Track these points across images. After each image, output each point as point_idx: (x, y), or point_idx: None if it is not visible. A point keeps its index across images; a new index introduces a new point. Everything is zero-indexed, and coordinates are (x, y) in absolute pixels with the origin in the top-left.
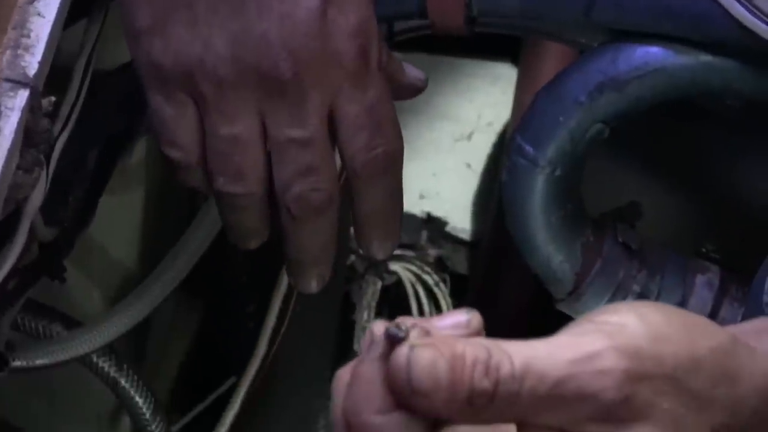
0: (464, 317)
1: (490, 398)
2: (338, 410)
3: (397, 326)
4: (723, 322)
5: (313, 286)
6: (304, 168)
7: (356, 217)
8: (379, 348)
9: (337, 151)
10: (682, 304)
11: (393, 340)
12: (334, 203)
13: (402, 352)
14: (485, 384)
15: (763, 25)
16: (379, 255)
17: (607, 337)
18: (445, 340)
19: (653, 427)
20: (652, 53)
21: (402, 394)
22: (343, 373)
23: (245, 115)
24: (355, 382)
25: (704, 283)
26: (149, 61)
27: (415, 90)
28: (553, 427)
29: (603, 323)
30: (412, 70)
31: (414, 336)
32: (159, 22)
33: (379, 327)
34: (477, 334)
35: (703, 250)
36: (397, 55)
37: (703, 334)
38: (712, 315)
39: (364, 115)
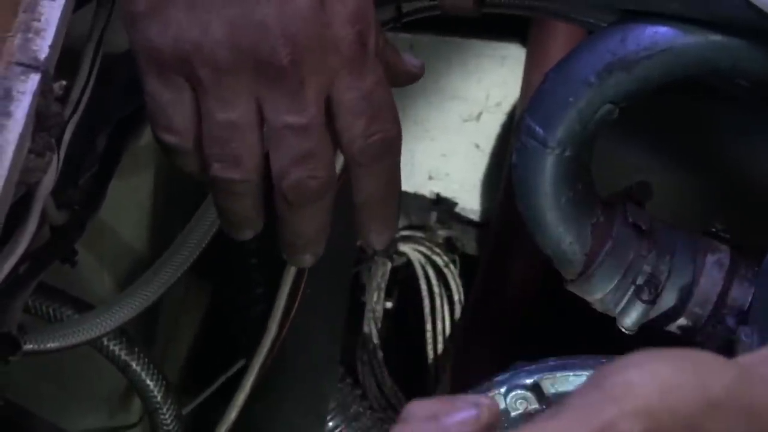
0: (473, 412)
1: None
2: None
3: None
4: (734, 303)
5: (307, 262)
6: (301, 155)
7: (354, 205)
8: None
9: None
10: (692, 284)
11: None
12: (331, 190)
13: None
14: None
15: None
16: (377, 245)
17: (617, 402)
18: None
19: None
20: (661, 33)
21: None
22: None
23: (242, 100)
24: None
25: (714, 263)
26: (146, 46)
27: (412, 77)
28: None
29: (609, 387)
30: (408, 57)
31: None
32: (157, 5)
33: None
34: (489, 427)
35: (713, 229)
36: (405, 36)
37: (713, 374)
38: (722, 295)
39: (362, 101)
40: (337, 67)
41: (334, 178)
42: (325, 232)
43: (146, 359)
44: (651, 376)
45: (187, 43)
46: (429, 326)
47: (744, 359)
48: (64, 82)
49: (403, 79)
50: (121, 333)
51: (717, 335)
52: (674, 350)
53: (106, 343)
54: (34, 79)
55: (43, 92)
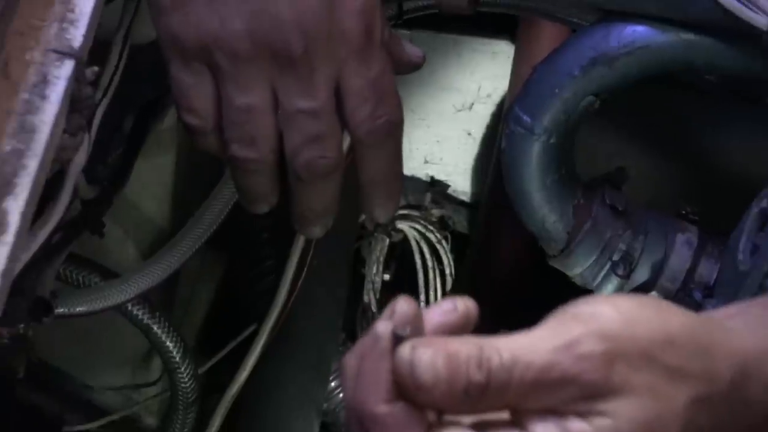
0: (451, 304)
1: (484, 388)
2: (349, 399)
3: (399, 326)
4: (701, 278)
5: (317, 233)
6: (312, 136)
7: (360, 182)
8: (382, 344)
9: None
10: (664, 261)
11: (396, 339)
12: (339, 168)
13: (405, 351)
14: (479, 376)
15: (740, 6)
16: (381, 218)
17: (583, 324)
18: (441, 339)
19: (633, 398)
20: (640, 32)
21: (406, 389)
22: (349, 360)
23: (258, 86)
24: (363, 375)
25: (684, 242)
26: (171, 35)
27: (413, 65)
28: (541, 410)
29: (579, 314)
30: (411, 47)
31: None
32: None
33: (382, 327)
34: (466, 317)
35: (684, 211)
36: (405, 32)
37: (675, 315)
38: (691, 271)
39: (368, 87)
40: (345, 56)
41: (342, 158)
42: (334, 206)
43: (166, 323)
44: (617, 309)
45: (208, 34)
46: (423, 297)
47: (712, 312)
48: (95, 69)
49: (405, 67)
50: (143, 299)
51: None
52: (642, 295)
53: (130, 308)
54: (69, 65)
55: (76, 77)
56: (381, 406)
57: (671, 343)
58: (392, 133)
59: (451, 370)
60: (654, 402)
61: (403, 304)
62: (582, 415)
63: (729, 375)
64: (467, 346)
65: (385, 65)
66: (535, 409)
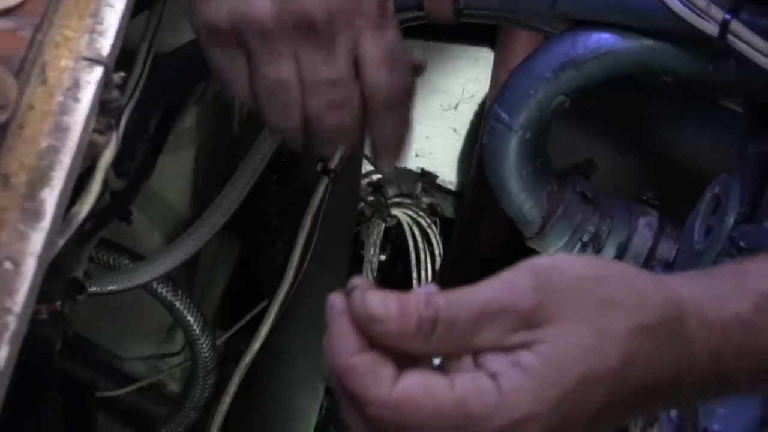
0: (432, 287)
1: (434, 322)
2: (328, 363)
3: (348, 288)
4: (661, 256)
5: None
6: (333, 103)
7: (373, 141)
8: (338, 307)
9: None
10: (628, 241)
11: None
12: (356, 131)
13: (356, 294)
14: (428, 312)
15: (693, 15)
16: (385, 174)
17: (517, 269)
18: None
19: (568, 325)
20: (605, 39)
21: (362, 323)
22: (326, 337)
23: (285, 60)
24: (331, 336)
25: (645, 225)
26: (206, 24)
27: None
28: (492, 347)
29: (519, 264)
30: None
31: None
32: None
33: (333, 297)
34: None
35: (645, 197)
36: None
37: (609, 263)
38: (652, 250)
39: (384, 56)
40: (362, 27)
41: (356, 122)
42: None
43: (188, 300)
44: (549, 257)
45: (237, 15)
46: (415, 275)
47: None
48: (122, 74)
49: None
50: (167, 278)
51: None
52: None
53: (155, 286)
54: (98, 71)
55: (105, 82)
56: (351, 357)
57: (602, 280)
58: (405, 100)
59: (402, 308)
60: (590, 328)
61: (353, 279)
62: (526, 345)
63: (663, 307)
64: (416, 295)
65: (398, 35)
66: (487, 347)
